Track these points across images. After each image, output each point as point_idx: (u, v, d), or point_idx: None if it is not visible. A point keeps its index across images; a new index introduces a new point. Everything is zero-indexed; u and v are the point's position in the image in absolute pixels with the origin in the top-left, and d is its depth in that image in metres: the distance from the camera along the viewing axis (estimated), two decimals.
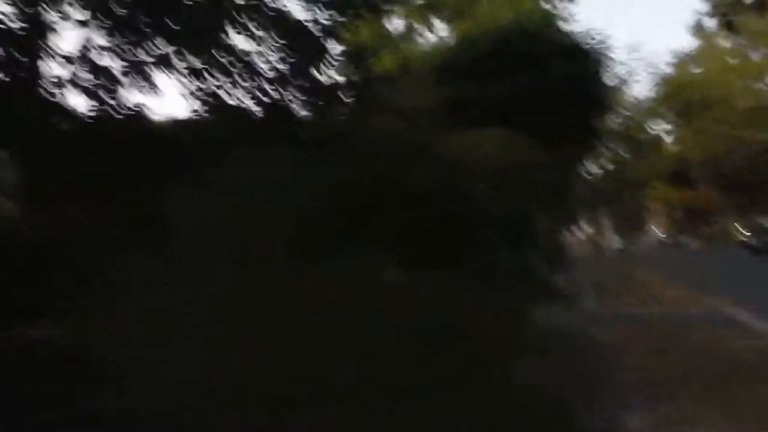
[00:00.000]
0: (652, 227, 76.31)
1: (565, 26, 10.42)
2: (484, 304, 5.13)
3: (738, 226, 42.42)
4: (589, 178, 21.36)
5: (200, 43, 6.92)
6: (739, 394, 5.75)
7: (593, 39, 10.34)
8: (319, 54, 6.68)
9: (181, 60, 7.08)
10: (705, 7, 40.06)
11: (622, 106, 18.64)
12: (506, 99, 8.46)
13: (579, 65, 9.68)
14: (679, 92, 17.34)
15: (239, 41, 7.28)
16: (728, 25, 36.18)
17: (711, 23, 39.08)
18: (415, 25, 12.61)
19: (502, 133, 7.20)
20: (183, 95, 7.30)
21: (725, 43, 35.67)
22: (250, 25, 7.13)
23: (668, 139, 25.63)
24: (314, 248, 4.82)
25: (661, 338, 8.93)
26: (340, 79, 6.96)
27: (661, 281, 20.44)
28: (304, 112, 6.94)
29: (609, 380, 6.84)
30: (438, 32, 11.74)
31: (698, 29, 38.90)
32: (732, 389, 5.95)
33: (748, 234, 37.12)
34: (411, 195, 4.77)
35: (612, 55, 11.01)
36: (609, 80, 11.43)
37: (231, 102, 7.07)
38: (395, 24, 10.71)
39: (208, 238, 5.05)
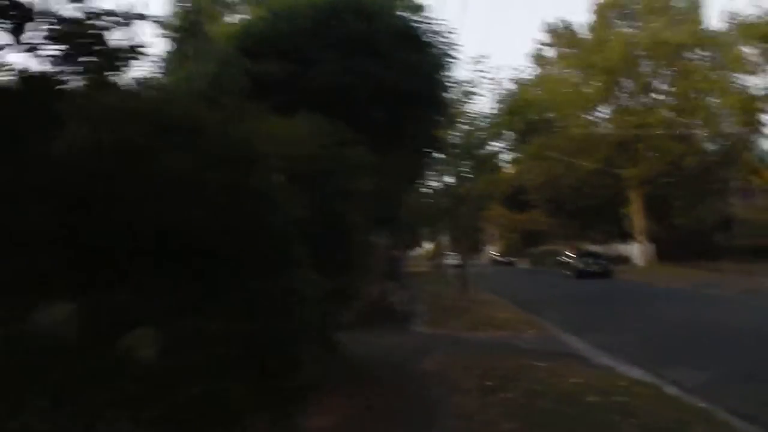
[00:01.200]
0: (488, 247, 79.72)
1: (411, 14, 9.16)
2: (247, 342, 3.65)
3: (566, 250, 44.77)
4: (426, 191, 20.81)
5: None
6: None
7: (440, 33, 9.27)
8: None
9: None
10: (546, 38, 42.73)
11: (463, 120, 18.29)
12: (329, 84, 7.15)
13: (422, 58, 8.57)
14: (521, 112, 17.38)
15: None
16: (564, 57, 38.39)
17: (551, 53, 41.47)
18: None
19: (318, 122, 5.81)
20: None
21: (562, 72, 37.80)
22: None
23: (507, 160, 26.11)
24: None
25: (490, 370, 7.98)
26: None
27: (493, 301, 20.39)
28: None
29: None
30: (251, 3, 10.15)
31: (539, 57, 40.96)
32: None
33: (575, 257, 39.10)
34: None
35: (457, 61, 10.04)
36: (452, 86, 10.40)
37: None
38: None
39: None
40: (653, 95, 37.47)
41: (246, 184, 3.96)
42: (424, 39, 8.91)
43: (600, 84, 35.91)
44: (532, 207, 54.01)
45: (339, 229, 5.80)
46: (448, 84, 10.34)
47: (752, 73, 22.22)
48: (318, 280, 4.96)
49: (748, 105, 24.81)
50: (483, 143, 18.41)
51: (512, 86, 19.03)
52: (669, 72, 36.20)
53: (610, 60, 35.30)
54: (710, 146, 37.76)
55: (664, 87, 36.80)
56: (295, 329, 4.48)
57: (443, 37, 9.31)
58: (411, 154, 9.22)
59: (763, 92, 22.46)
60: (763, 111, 24.36)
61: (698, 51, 35.77)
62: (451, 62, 9.80)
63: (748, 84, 32.10)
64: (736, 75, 29.85)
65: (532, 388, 6.92)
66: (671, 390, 7.35)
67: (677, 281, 28.61)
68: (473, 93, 17.90)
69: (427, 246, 62.51)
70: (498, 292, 23.74)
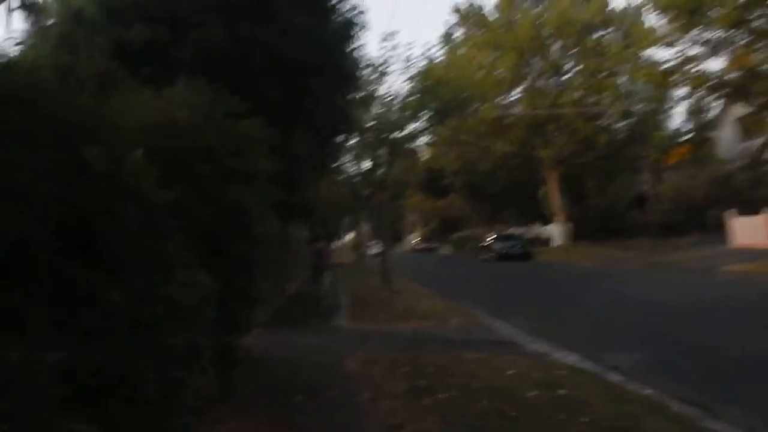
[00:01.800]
0: (409, 235, 79.81)
1: None
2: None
3: (486, 234, 45.03)
4: (341, 177, 19.91)
5: None
6: None
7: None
8: None
9: None
10: (454, 19, 42.60)
11: (376, 100, 17.54)
12: (211, 53, 6.13)
13: (325, 24, 7.64)
14: (434, 91, 16.77)
15: None
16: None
17: (459, 33, 41.33)
18: None
19: (200, 91, 4.85)
20: None
21: (472, 54, 37.64)
22: None
23: (423, 144, 25.49)
24: None
25: (419, 368, 7.25)
26: None
27: (415, 290, 19.85)
28: None
29: None
30: None
31: (447, 38, 40.72)
32: None
33: (494, 241, 39.34)
34: None
35: (365, 32, 9.19)
36: (361, 60, 9.52)
37: None
38: None
39: None
40: (564, 75, 37.98)
41: (83, 164, 3.01)
42: (327, 3, 8.01)
43: (510, 65, 35.96)
44: (450, 192, 54.18)
45: (233, 219, 4.88)
46: (357, 57, 9.48)
47: (669, 45, 22.53)
48: (205, 283, 4.04)
49: (660, 80, 25.35)
50: (398, 125, 17.69)
51: (424, 65, 18.43)
52: (577, 51, 36.73)
53: (519, 40, 35.48)
54: (620, 125, 38.59)
55: (575, 66, 37.29)
56: (169, 347, 3.55)
57: (349, 3, 8.46)
58: (317, 134, 8.31)
59: (674, 64, 22.92)
60: (674, 85, 24.98)
61: (607, 29, 36.49)
62: (359, 32, 8.97)
63: (657, 59, 33.31)
64: (646, 51, 30.63)
65: (467, 385, 6.23)
66: (612, 377, 6.85)
67: (592, 260, 29.17)
68: (385, 72, 17.21)
69: (349, 237, 61.86)
70: (420, 281, 23.26)
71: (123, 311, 3.06)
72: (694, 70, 22.83)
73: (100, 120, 3.58)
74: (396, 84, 20.22)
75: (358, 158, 19.04)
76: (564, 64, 37.74)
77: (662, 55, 45.76)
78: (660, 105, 37.17)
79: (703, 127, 37.16)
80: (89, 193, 3.12)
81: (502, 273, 27.85)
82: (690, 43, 22.11)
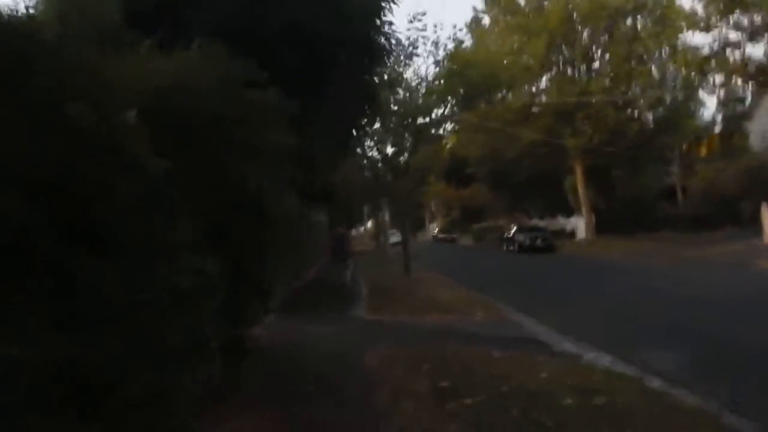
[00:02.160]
0: (430, 224, 79.20)
1: None
2: None
3: (509, 225, 44.37)
4: (364, 162, 19.38)
5: None
6: None
7: None
8: None
9: None
10: (482, 5, 41.75)
11: (402, 84, 16.98)
12: (231, 16, 5.62)
13: None
14: (461, 74, 16.12)
15: None
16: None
17: (488, 17, 40.47)
18: None
19: (214, 56, 4.39)
20: None
21: (501, 39, 36.80)
22: None
23: (448, 130, 24.75)
24: None
25: (444, 366, 6.76)
26: None
27: (437, 280, 19.36)
28: None
29: None
30: None
31: (476, 22, 39.90)
32: None
33: (518, 232, 38.69)
34: None
35: (394, 11, 8.71)
36: (389, 35, 8.96)
37: None
38: None
39: None
40: (595, 63, 36.96)
41: (66, 123, 2.55)
42: None
43: (539, 51, 35.00)
44: (473, 181, 53.39)
45: (245, 198, 4.42)
46: (386, 34, 8.95)
47: (705, 29, 21.58)
48: (213, 271, 3.58)
49: (697, 65, 24.43)
50: (423, 110, 17.11)
51: (451, 47, 17.81)
52: (608, 37, 35.69)
53: (548, 25, 34.53)
54: (651, 114, 37.49)
55: (605, 53, 36.24)
56: (173, 340, 3.11)
57: None
58: (341, 111, 7.80)
59: (711, 49, 22.03)
60: (710, 72, 24.06)
61: (638, 14, 35.42)
62: (389, 7, 8.44)
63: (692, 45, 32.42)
64: (680, 36, 29.66)
65: (496, 388, 5.72)
66: (653, 382, 6.30)
67: (619, 253, 28.41)
68: (412, 54, 16.64)
69: (369, 224, 61.46)
70: (442, 270, 22.78)
71: (124, 301, 2.63)
72: (732, 57, 21.83)
73: (94, 77, 3.12)
74: (423, 67, 19.84)
75: (381, 143, 18.50)
76: (595, 51, 36.65)
77: (698, 41, 44.34)
78: (693, 92, 36.13)
79: (736, 117, 35.97)
80: (74, 158, 2.67)
81: (525, 265, 27.25)
82: (729, 28, 21.11)
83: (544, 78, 37.67)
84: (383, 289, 16.52)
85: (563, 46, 36.17)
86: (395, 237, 35.53)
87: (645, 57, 35.22)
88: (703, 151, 37.59)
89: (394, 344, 8.39)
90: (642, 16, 35.37)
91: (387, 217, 34.94)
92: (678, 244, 29.59)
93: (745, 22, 20.80)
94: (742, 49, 21.66)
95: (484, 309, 12.57)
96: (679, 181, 35.70)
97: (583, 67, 36.92)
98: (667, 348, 8.13)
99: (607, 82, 34.34)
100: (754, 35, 21.21)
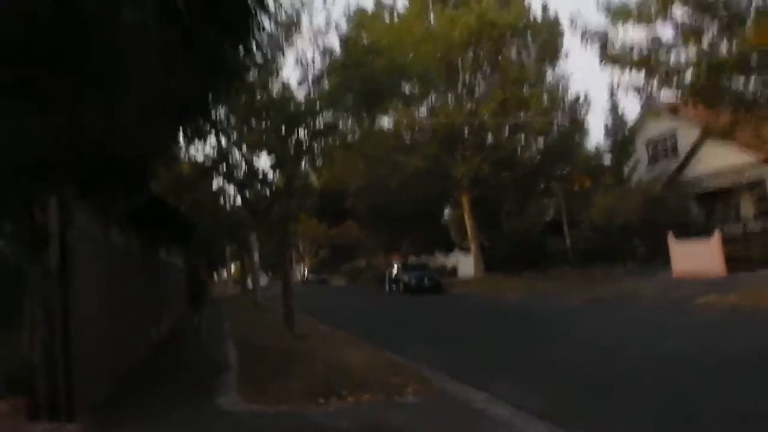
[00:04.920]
0: (297, 263, 74.66)
1: None
2: None
3: (385, 263, 41.66)
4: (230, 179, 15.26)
5: None
6: None
7: None
8: None
9: None
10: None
11: (279, 70, 13.29)
12: None
13: None
14: (362, 62, 12.81)
15: None
16: None
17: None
18: None
19: None
20: None
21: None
22: None
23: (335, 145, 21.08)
24: None
25: None
26: None
27: (331, 334, 15.55)
28: None
29: None
30: None
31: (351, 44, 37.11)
32: None
33: (400, 271, 35.96)
34: None
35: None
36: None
37: None
38: None
39: None
40: (480, 87, 34.97)
41: None
42: None
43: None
44: (347, 217, 50.15)
45: None
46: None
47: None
48: None
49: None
50: (309, 110, 13.28)
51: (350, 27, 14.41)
52: (495, 60, 33.93)
53: (436, 41, 32.13)
54: (542, 141, 36.11)
55: (494, 75, 34.39)
56: None
57: None
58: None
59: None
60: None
61: (525, 38, 34.12)
62: None
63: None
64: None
65: None
66: None
67: (517, 293, 26.17)
68: (293, 30, 12.96)
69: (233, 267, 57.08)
70: (328, 321, 18.91)
71: None
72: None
73: None
74: (310, 52, 15.59)
75: (252, 149, 14.37)
76: (484, 71, 34.68)
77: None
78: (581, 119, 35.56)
79: (622, 145, 35.54)
80: None
81: (421, 310, 24.08)
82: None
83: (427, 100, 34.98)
84: (261, 350, 12.47)
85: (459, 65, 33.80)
86: (264, 280, 31.25)
87: (533, 81, 33.90)
88: (586, 183, 36.98)
89: None
90: (531, 36, 34.15)
91: (256, 257, 30.44)
92: (577, 281, 27.94)
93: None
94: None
95: (410, 379, 8.90)
96: (566, 215, 34.41)
97: (475, 89, 34.77)
98: None
99: (494, 105, 32.28)
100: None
